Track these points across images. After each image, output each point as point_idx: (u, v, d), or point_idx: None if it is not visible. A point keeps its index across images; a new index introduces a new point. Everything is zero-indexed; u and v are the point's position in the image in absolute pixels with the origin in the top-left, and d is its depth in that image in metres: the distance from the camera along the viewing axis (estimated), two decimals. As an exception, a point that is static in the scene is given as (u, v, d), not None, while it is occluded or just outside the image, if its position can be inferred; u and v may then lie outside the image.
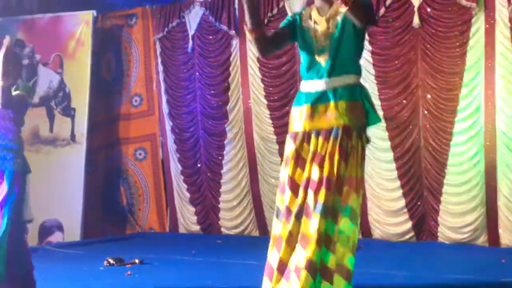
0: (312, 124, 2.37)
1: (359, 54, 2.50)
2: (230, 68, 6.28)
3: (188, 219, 6.61)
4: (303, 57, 2.51)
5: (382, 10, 5.36)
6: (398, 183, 5.39)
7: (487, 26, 5.04)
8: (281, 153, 6.02)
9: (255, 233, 6.24)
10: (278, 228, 2.39)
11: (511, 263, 4.41)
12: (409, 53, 5.36)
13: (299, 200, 2.33)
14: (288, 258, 2.31)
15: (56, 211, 5.94)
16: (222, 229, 6.39)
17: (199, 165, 6.50)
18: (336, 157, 2.30)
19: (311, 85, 2.43)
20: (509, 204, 5.01)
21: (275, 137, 6.04)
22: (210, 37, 6.36)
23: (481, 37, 5.06)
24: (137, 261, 4.79)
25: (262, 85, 6.08)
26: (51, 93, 6.56)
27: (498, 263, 4.44)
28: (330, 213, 2.27)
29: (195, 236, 6.41)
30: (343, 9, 2.26)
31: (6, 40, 3.52)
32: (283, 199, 2.41)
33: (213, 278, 4.14)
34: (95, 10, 6.59)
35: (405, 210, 5.39)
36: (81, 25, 6.52)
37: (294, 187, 2.37)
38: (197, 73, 6.45)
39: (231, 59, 6.27)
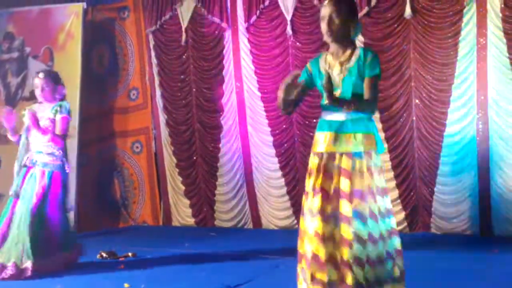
0: (335, 148, 2.85)
1: None
2: (224, 61, 6.25)
3: (182, 212, 6.59)
4: (323, 93, 2.87)
5: (373, 1, 5.35)
6: (391, 173, 5.40)
7: (479, 16, 5.04)
8: (275, 145, 6.03)
9: (249, 225, 6.24)
10: (313, 226, 2.78)
11: (503, 253, 4.44)
12: (401, 44, 5.36)
13: (332, 206, 2.79)
14: (329, 253, 2.74)
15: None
16: (217, 222, 6.39)
17: (194, 158, 6.49)
18: (364, 172, 2.81)
19: (332, 116, 2.89)
20: (502, 194, 5.03)
21: (269, 129, 6.03)
22: (203, 30, 6.32)
23: (473, 27, 5.07)
24: (130, 254, 4.78)
25: (256, 78, 6.06)
26: (41, 87, 6.50)
27: (491, 253, 4.47)
28: (362, 217, 2.76)
29: (189, 229, 6.40)
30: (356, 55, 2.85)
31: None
32: (313, 203, 2.80)
33: (207, 271, 4.13)
34: (85, 2, 6.53)
35: (398, 200, 5.40)
36: (70, 17, 6.45)
37: (324, 194, 2.80)
38: (192, 66, 6.41)
39: (224, 52, 6.24)
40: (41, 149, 4.25)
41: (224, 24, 6.15)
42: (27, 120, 4.27)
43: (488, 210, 5.08)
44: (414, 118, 5.35)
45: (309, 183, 2.86)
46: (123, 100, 6.82)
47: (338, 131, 2.84)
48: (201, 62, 6.36)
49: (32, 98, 6.49)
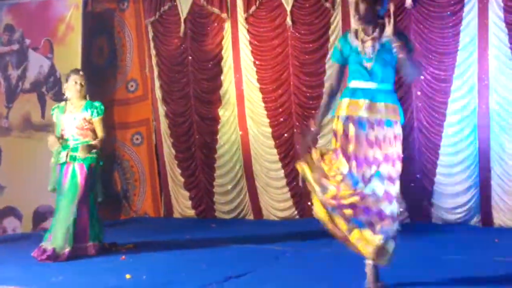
0: (370, 115, 3.11)
1: (395, 67, 3.25)
2: (223, 52, 6.22)
3: (182, 204, 6.60)
4: (353, 65, 3.15)
5: (374, -9, 5.32)
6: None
7: (480, 6, 5.02)
8: (274, 136, 6.02)
9: (250, 216, 6.24)
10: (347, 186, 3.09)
11: (504, 243, 4.44)
12: (402, 34, 5.32)
13: (363, 170, 3.10)
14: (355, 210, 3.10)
15: (49, 197, 5.89)
16: (217, 213, 6.39)
17: (193, 150, 6.48)
18: (392, 140, 3.13)
19: (366, 85, 3.14)
20: (502, 184, 5.03)
21: (268, 120, 6.02)
22: (202, 20, 6.29)
23: (474, 17, 5.04)
24: (131, 245, 4.79)
25: (255, 69, 6.04)
26: (41, 79, 6.48)
27: (491, 243, 4.47)
28: (391, 179, 3.18)
29: (190, 220, 6.41)
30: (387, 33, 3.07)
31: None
32: (350, 165, 3.09)
33: (208, 263, 4.14)
34: (84, -6, 6.50)
35: (399, 191, 5.39)
36: (70, 9, 6.42)
37: (355, 159, 3.09)
38: (190, 57, 6.39)
39: (223, 42, 6.21)
40: (79, 145, 4.57)
41: (223, 15, 6.12)
42: (58, 118, 4.64)
43: (489, 201, 5.08)
44: (415, 108, 5.34)
45: (340, 146, 3.12)
46: (123, 91, 6.80)
47: (373, 99, 3.10)
48: (200, 53, 6.34)
49: (32, 90, 6.50)
